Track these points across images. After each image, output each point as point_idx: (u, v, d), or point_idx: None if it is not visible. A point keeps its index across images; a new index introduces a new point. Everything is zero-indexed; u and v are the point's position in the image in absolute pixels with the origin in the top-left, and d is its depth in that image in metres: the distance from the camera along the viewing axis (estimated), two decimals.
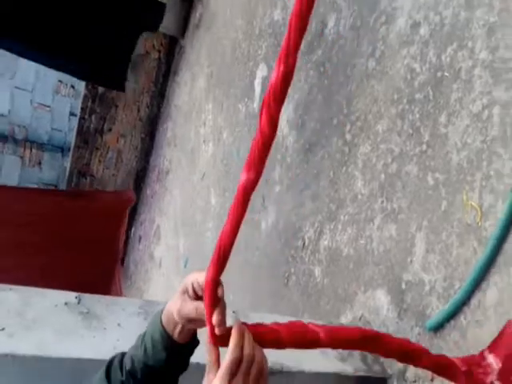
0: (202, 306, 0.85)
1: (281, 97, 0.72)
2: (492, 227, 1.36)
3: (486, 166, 1.38)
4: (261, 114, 0.76)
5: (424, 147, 1.59)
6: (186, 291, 0.88)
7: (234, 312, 1.69)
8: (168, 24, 4.15)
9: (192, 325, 0.89)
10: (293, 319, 0.91)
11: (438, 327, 1.55)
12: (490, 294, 1.40)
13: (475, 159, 1.41)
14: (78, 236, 4.61)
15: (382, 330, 1.80)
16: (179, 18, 4.38)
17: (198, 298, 0.87)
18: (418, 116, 1.62)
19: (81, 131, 5.36)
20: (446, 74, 1.49)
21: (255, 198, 2.82)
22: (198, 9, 4.25)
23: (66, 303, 1.45)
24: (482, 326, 1.43)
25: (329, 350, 1.68)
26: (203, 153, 3.85)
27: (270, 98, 0.72)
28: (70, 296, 1.48)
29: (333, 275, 2.10)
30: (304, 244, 2.35)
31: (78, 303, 1.47)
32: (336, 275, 2.08)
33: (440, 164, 1.52)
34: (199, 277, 0.85)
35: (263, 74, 2.94)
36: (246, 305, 2.83)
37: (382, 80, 1.80)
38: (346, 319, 2.02)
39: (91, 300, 1.50)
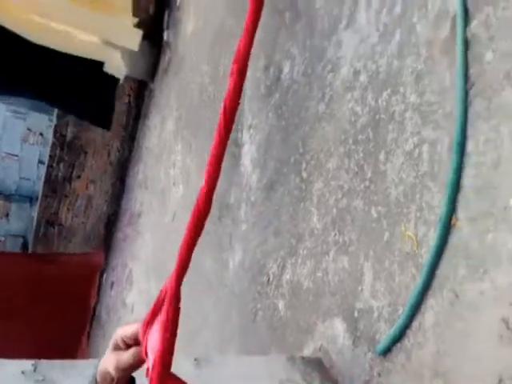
0: (137, 349, 0.94)
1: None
2: (426, 254, 1.56)
3: (418, 199, 1.58)
4: None
5: (367, 183, 1.80)
6: (117, 346, 0.97)
7: (195, 360, 1.80)
8: (138, 69, 4.37)
9: (129, 372, 0.98)
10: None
11: (387, 351, 1.72)
12: (427, 316, 1.58)
13: (410, 193, 1.62)
14: (43, 302, 4.62)
15: (339, 358, 1.96)
16: (148, 63, 4.61)
17: (129, 347, 0.96)
18: (361, 155, 1.84)
19: (49, 180, 5.43)
20: (383, 116, 1.72)
21: (223, 236, 3.00)
22: (166, 54, 4.50)
23: (22, 372, 1.50)
24: (423, 348, 1.61)
25: None
26: (173, 194, 4.03)
27: None
28: (27, 364, 1.52)
29: (295, 308, 2.27)
30: (269, 279, 2.52)
31: (34, 371, 1.52)
32: (298, 308, 2.25)
33: (381, 198, 1.73)
34: (127, 329, 0.96)
35: None
36: (215, 344, 2.97)
37: (331, 122, 2.02)
38: (308, 351, 2.18)
39: (48, 366, 1.55)
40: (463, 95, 1.42)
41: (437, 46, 1.53)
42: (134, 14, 4.10)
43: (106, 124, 4.83)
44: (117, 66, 4.34)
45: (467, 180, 1.43)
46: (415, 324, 1.63)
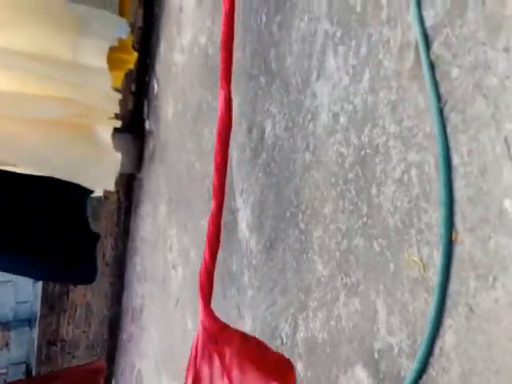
0: None
1: None
2: (434, 275, 1.60)
3: (417, 222, 1.64)
4: None
5: (365, 219, 1.86)
6: None
7: None
8: (124, 165, 4.41)
9: None
10: None
11: None
12: (447, 338, 1.60)
13: (407, 219, 1.68)
14: None
15: None
16: (133, 156, 4.73)
17: None
18: (354, 193, 1.91)
19: (46, 299, 5.42)
20: (368, 151, 1.81)
21: (231, 309, 3.01)
22: (150, 142, 4.65)
23: None
24: (449, 372, 1.61)
25: None
26: (174, 278, 4.05)
27: None
28: None
29: (314, 366, 2.26)
30: (282, 342, 2.52)
31: None
32: (316, 365, 2.24)
33: (380, 230, 1.79)
34: None
35: None
36: None
37: (319, 168, 2.11)
38: None
39: None
40: (438, 114, 1.52)
41: (405, 75, 1.65)
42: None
43: (91, 278, 4.60)
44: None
45: (459, 192, 1.49)
46: (436, 350, 1.64)
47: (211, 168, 3.47)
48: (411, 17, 1.59)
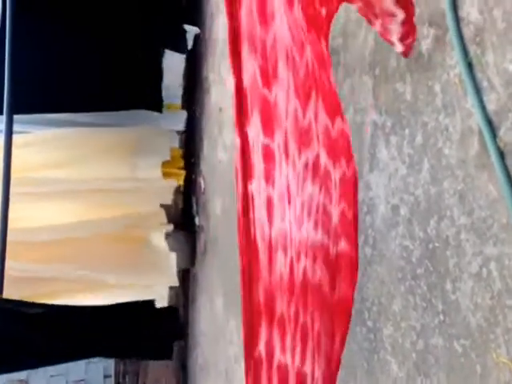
0: None
1: None
2: None
3: (502, 321, 1.40)
4: None
5: (441, 317, 1.62)
6: None
7: None
8: (179, 262, 4.37)
9: None
10: None
11: None
12: None
13: (491, 316, 1.44)
14: None
15: None
16: (187, 252, 4.63)
17: None
18: (425, 288, 1.68)
19: None
20: (437, 244, 1.59)
21: None
22: (201, 237, 4.52)
23: None
24: None
25: None
26: (237, 372, 3.79)
27: None
28: None
29: None
30: None
31: None
32: None
33: (461, 329, 1.55)
34: None
35: None
36: None
37: (382, 263, 1.89)
38: None
39: None
40: None
41: (471, 163, 1.45)
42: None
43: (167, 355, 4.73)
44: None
45: None
46: None
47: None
48: (470, 103, 1.41)
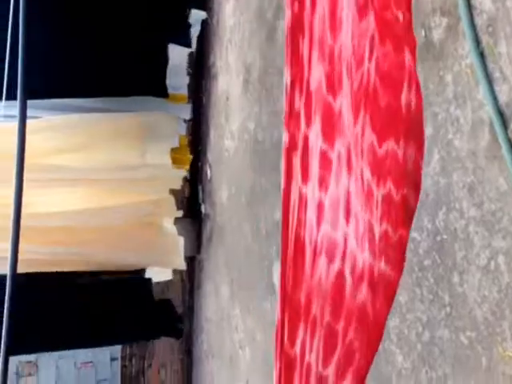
0: None
1: None
2: None
3: (509, 314, 1.39)
4: None
5: (448, 309, 1.61)
6: None
7: None
8: (185, 249, 4.39)
9: None
10: None
11: None
12: None
13: (497, 310, 1.42)
14: None
15: None
16: (193, 239, 4.63)
17: None
18: (432, 281, 1.67)
19: (124, 378, 5.59)
20: (445, 236, 1.57)
21: None
22: (207, 224, 4.52)
23: None
24: None
25: None
26: (242, 359, 3.80)
27: None
28: None
29: None
30: None
31: None
32: None
33: (467, 322, 1.53)
34: None
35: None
36: None
37: None
38: None
39: None
40: None
41: (481, 155, 1.43)
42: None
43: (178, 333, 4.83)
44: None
45: None
46: None
47: (268, 250, 3.30)
48: (482, 93, 1.38)
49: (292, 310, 1.07)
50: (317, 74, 1.04)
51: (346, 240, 1.05)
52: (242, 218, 3.62)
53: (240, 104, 3.61)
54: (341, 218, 1.05)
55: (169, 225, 3.88)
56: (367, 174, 1.04)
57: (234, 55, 3.73)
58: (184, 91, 3.94)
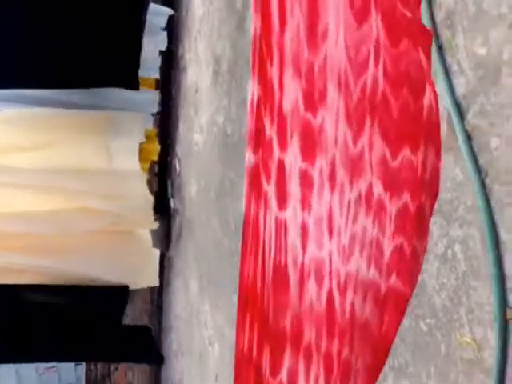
0: None
1: None
2: (491, 357, 1.41)
3: (466, 301, 1.46)
4: None
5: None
6: None
7: None
8: (153, 244, 4.32)
9: None
10: None
11: None
12: None
13: (455, 296, 1.49)
14: None
15: None
16: (161, 235, 4.63)
17: None
18: None
19: (88, 381, 5.54)
20: None
21: None
22: (176, 220, 4.54)
23: None
24: None
25: None
26: (211, 355, 3.84)
27: None
28: None
29: None
30: None
31: None
32: None
33: (427, 310, 1.60)
34: None
35: None
36: None
37: None
38: None
39: None
40: (480, 187, 1.35)
41: None
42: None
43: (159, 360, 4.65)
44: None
45: (510, 268, 1.32)
46: None
47: (237, 245, 3.32)
48: (440, 86, 1.45)
49: (274, 339, 1.04)
50: (292, 95, 0.99)
51: (330, 259, 1.01)
52: (211, 212, 3.65)
53: (209, 96, 3.65)
54: (325, 236, 1.02)
55: (143, 233, 3.68)
56: (378, 189, 1.00)
57: (203, 45, 3.76)
58: (155, 74, 3.74)
